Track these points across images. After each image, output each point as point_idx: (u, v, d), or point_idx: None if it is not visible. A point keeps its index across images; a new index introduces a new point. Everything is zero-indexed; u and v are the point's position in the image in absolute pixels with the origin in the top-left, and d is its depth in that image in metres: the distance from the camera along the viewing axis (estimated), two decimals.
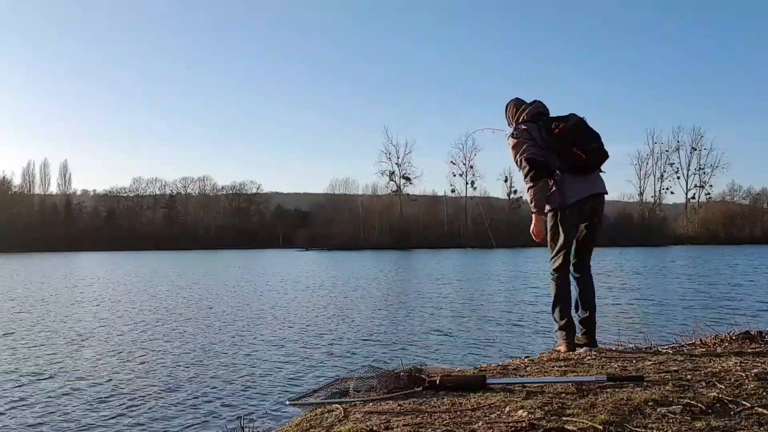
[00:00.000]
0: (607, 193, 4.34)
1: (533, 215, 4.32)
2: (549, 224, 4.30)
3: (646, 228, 79.50)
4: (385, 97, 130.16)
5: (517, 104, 4.47)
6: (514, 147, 4.24)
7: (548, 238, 4.31)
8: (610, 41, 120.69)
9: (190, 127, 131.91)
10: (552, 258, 4.32)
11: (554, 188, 4.21)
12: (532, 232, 4.38)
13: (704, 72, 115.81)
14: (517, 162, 4.25)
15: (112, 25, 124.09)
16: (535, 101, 4.44)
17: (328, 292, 18.55)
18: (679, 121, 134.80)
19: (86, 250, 73.72)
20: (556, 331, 4.36)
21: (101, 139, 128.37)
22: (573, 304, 4.38)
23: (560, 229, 4.25)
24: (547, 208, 4.26)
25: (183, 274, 29.19)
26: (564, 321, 4.28)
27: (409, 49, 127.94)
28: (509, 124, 4.46)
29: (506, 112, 4.55)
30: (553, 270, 4.32)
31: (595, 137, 4.22)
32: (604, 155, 4.26)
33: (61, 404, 5.96)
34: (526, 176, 4.20)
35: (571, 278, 4.38)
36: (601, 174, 4.33)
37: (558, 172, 4.17)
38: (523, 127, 4.26)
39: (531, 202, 4.27)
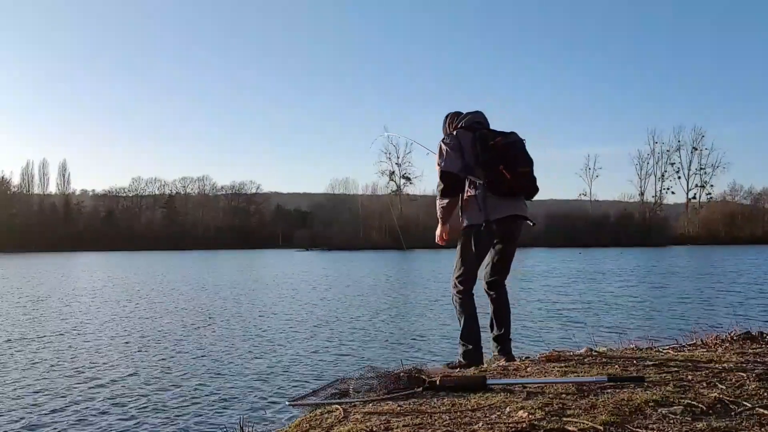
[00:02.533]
0: (528, 219, 4.17)
1: (439, 221, 4.23)
2: (461, 240, 4.12)
3: (646, 228, 79.55)
4: (385, 96, 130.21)
5: (454, 115, 4.35)
6: (438, 153, 4.12)
7: (458, 254, 4.15)
8: (611, 41, 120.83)
9: (189, 127, 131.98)
10: (458, 276, 4.14)
11: (472, 204, 4.04)
12: (437, 236, 4.28)
13: (705, 71, 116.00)
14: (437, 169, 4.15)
15: (111, 24, 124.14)
16: (475, 111, 4.30)
17: (328, 292, 18.54)
18: (680, 121, 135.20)
19: (85, 250, 73.69)
20: (460, 352, 4.23)
21: (100, 139, 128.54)
22: (489, 322, 4.30)
23: (472, 247, 4.06)
24: (465, 222, 4.10)
25: (182, 274, 29.18)
26: (473, 339, 4.17)
27: (409, 48, 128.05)
28: (450, 130, 4.28)
29: (444, 123, 4.41)
30: (458, 289, 4.16)
31: (527, 162, 4.07)
32: (531, 183, 4.10)
33: (59, 404, 5.94)
34: (437, 188, 4.13)
35: (486, 296, 4.30)
36: (524, 201, 4.17)
37: (480, 188, 3.99)
38: (454, 133, 4.13)
39: (438, 212, 4.20)
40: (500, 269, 4.24)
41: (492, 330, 4.30)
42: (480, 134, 4.08)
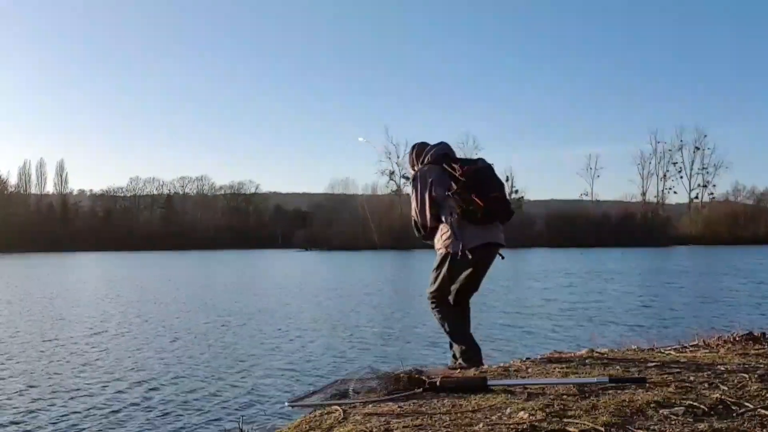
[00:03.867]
0: (504, 246, 4.27)
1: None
2: (437, 261, 4.25)
3: (648, 228, 79.57)
4: (384, 96, 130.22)
5: (419, 147, 4.43)
6: (412, 191, 4.27)
7: (433, 272, 4.27)
8: (612, 40, 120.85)
9: (187, 126, 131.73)
10: (433, 290, 4.27)
11: (449, 232, 4.13)
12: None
13: (707, 71, 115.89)
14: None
15: (109, 24, 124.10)
16: (440, 143, 4.38)
17: (328, 292, 18.54)
18: (682, 121, 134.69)
19: (83, 250, 73.69)
20: (459, 355, 4.28)
21: (98, 139, 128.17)
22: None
23: (446, 271, 4.19)
24: (441, 248, 4.20)
25: (180, 274, 29.17)
26: (466, 343, 4.23)
27: (408, 48, 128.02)
28: (412, 167, 4.39)
29: (409, 156, 4.50)
30: (432, 301, 4.28)
31: (497, 186, 4.15)
32: (505, 206, 4.19)
33: (59, 404, 5.93)
34: (413, 226, 4.33)
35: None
36: (500, 226, 4.25)
37: (454, 216, 4.08)
38: (424, 169, 4.22)
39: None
40: (468, 291, 4.39)
41: (451, 347, 4.41)
42: (449, 165, 4.16)
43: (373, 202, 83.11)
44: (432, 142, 4.44)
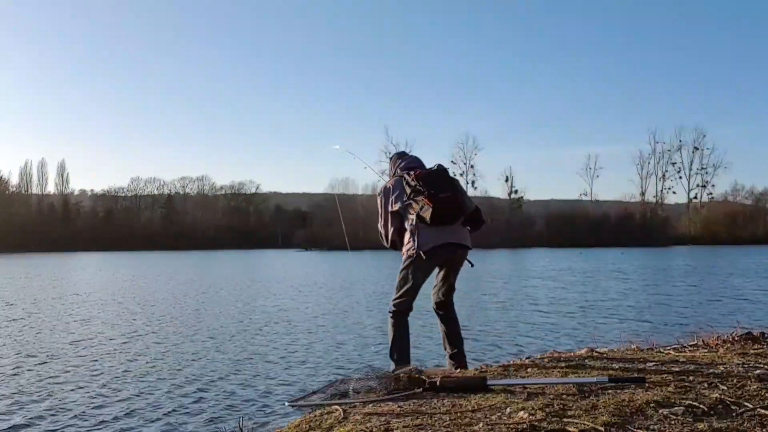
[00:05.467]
0: (468, 247, 4.32)
1: None
2: (401, 268, 4.32)
3: (647, 228, 79.55)
4: (384, 96, 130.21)
5: (396, 157, 4.62)
6: (378, 204, 4.44)
7: (397, 279, 4.34)
8: (612, 40, 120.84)
9: (188, 127, 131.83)
10: (395, 298, 4.32)
11: (409, 237, 4.23)
12: None
13: (706, 71, 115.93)
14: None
15: (110, 24, 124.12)
16: (411, 157, 4.56)
17: (328, 292, 18.54)
18: (681, 121, 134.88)
19: (84, 250, 73.68)
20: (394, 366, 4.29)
21: (99, 139, 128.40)
22: (441, 341, 4.50)
23: (409, 276, 4.25)
24: (404, 253, 4.29)
25: (180, 275, 29.18)
26: (401, 363, 4.23)
27: (408, 48, 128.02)
28: (391, 176, 4.54)
29: (389, 163, 4.69)
30: (393, 311, 4.33)
31: (448, 187, 4.21)
32: (458, 207, 4.21)
33: (59, 404, 5.93)
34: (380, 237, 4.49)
35: (436, 316, 4.52)
36: (464, 227, 4.32)
37: (413, 221, 4.18)
38: (388, 184, 4.38)
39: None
40: (444, 292, 4.46)
41: (446, 349, 4.48)
42: (403, 175, 4.31)
43: (373, 202, 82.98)
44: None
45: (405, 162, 4.47)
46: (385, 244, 4.45)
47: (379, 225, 4.42)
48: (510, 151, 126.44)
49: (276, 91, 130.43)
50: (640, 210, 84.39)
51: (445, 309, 4.47)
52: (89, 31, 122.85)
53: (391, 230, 4.34)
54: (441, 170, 4.33)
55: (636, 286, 19.68)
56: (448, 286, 4.43)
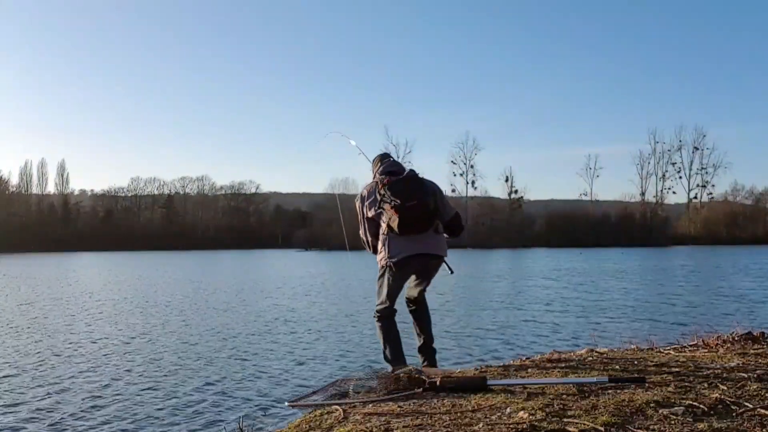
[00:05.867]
0: (442, 256, 4.30)
1: None
2: (378, 275, 4.37)
3: (648, 228, 79.55)
4: (384, 96, 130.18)
5: (378, 160, 4.57)
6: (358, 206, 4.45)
7: (377, 286, 4.40)
8: (612, 40, 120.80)
9: (188, 127, 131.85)
10: (377, 305, 4.41)
11: (381, 245, 4.24)
12: None
13: (707, 71, 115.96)
14: None
15: (110, 23, 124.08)
16: (390, 161, 4.49)
17: (328, 292, 18.54)
18: (681, 120, 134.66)
19: (84, 250, 73.65)
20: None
21: (99, 139, 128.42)
22: (413, 333, 4.59)
23: (385, 283, 4.31)
24: (378, 262, 4.32)
25: (181, 275, 29.17)
26: (397, 363, 4.29)
27: (409, 48, 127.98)
28: (373, 176, 4.53)
29: (371, 165, 4.66)
30: (378, 316, 4.42)
31: (414, 195, 4.09)
32: (426, 215, 4.12)
33: (58, 404, 5.93)
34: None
35: (408, 309, 4.60)
36: (438, 235, 4.27)
37: (386, 230, 4.17)
38: (364, 190, 4.38)
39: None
40: (418, 291, 4.51)
41: (417, 340, 4.56)
42: (381, 181, 4.25)
43: None
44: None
45: (384, 166, 4.40)
46: (367, 249, 4.45)
47: (360, 231, 4.41)
48: (510, 151, 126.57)
49: (276, 90, 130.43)
50: (640, 210, 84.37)
51: (417, 305, 4.53)
52: (89, 31, 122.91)
53: (370, 237, 4.34)
54: (410, 177, 4.22)
55: (636, 285, 19.67)
56: (418, 289, 4.48)
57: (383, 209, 4.13)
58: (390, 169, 4.36)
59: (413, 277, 4.43)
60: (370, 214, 4.25)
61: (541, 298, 15.85)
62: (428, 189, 4.21)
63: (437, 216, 4.21)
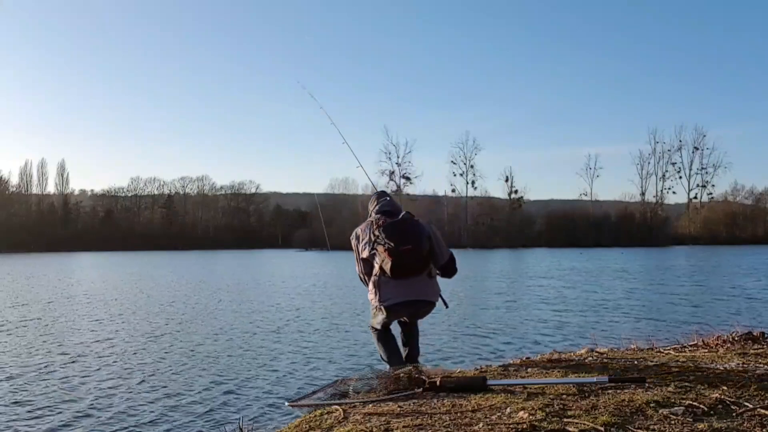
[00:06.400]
0: (432, 302, 4.28)
1: None
2: (371, 307, 4.38)
3: (647, 228, 79.57)
4: (384, 96, 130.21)
5: (374, 198, 4.56)
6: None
7: (371, 311, 4.41)
8: (612, 40, 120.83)
9: (188, 127, 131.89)
10: (371, 325, 4.43)
11: (373, 287, 4.23)
12: None
13: (706, 71, 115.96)
14: None
15: (110, 23, 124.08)
16: (385, 200, 4.46)
17: (328, 292, 18.53)
18: (681, 120, 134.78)
19: (84, 250, 73.64)
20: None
21: (99, 139, 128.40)
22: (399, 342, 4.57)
23: (379, 318, 4.29)
24: (370, 301, 4.31)
25: (181, 274, 29.17)
26: (395, 364, 4.30)
27: (409, 48, 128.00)
28: (369, 215, 4.51)
29: (369, 202, 4.65)
30: (374, 333, 4.45)
31: (408, 239, 4.07)
32: (419, 261, 4.11)
33: (58, 404, 5.93)
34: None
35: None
36: (431, 280, 4.25)
37: (378, 271, 4.16)
38: (359, 228, 4.37)
39: None
40: (410, 323, 4.49)
41: (402, 350, 4.53)
42: (376, 222, 4.24)
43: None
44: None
45: (379, 205, 4.38)
46: (365, 286, 4.43)
47: (356, 269, 4.40)
48: (510, 151, 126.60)
49: (276, 90, 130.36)
50: (640, 210, 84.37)
51: (407, 324, 4.55)
52: (89, 31, 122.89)
53: (366, 277, 4.33)
54: (405, 220, 4.17)
55: (636, 286, 19.67)
56: (409, 328, 4.49)
57: (377, 251, 4.10)
58: (385, 209, 4.32)
59: (402, 320, 4.48)
60: (365, 254, 4.21)
61: (541, 298, 15.85)
62: (424, 232, 4.15)
63: (432, 259, 4.19)
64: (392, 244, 4.01)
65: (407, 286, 4.09)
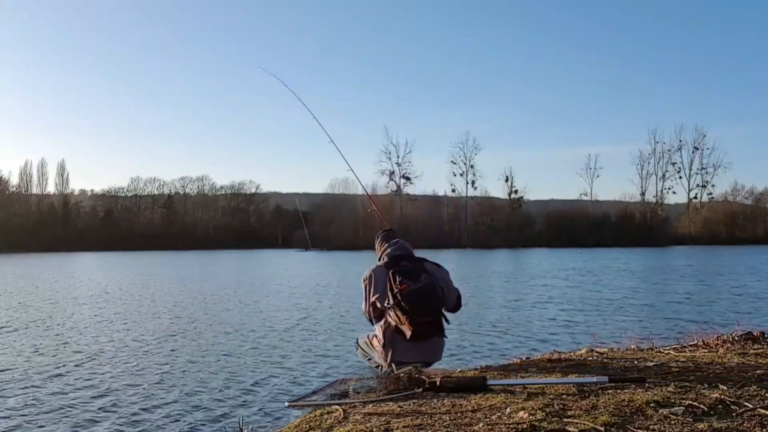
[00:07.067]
0: (439, 359, 4.37)
1: None
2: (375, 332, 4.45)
3: (647, 228, 79.59)
4: (384, 96, 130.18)
5: (383, 239, 4.57)
6: (363, 287, 4.45)
7: (372, 347, 4.48)
8: (612, 40, 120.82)
9: (188, 127, 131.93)
10: (369, 352, 4.50)
11: (381, 340, 4.26)
12: None
13: (706, 71, 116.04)
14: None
15: (110, 23, 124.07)
16: (397, 242, 4.45)
17: (328, 292, 18.53)
18: (681, 120, 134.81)
19: (84, 250, 73.59)
20: None
21: (99, 139, 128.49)
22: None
23: (382, 364, 4.32)
24: (382, 355, 4.30)
25: (181, 274, 29.18)
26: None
27: (408, 48, 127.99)
28: (378, 256, 4.52)
29: (376, 242, 4.67)
30: (362, 351, 4.62)
31: (429, 311, 4.14)
32: (437, 330, 4.23)
33: (58, 404, 5.93)
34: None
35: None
36: (441, 340, 4.32)
37: (389, 327, 4.18)
38: (374, 272, 4.35)
39: None
40: None
41: None
42: (392, 273, 4.24)
43: (374, 201, 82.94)
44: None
45: (391, 248, 4.38)
46: (370, 323, 4.49)
47: (363, 306, 4.43)
48: (510, 151, 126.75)
49: (276, 90, 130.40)
50: (640, 210, 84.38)
51: None
52: (89, 31, 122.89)
53: (373, 317, 4.39)
54: (426, 290, 4.18)
55: (636, 286, 19.67)
56: None
57: (394, 310, 4.15)
58: (397, 253, 4.35)
59: None
60: (377, 302, 4.27)
61: (541, 298, 15.85)
62: (437, 290, 4.22)
63: (441, 304, 4.27)
64: (413, 312, 4.07)
65: (421, 348, 4.18)
